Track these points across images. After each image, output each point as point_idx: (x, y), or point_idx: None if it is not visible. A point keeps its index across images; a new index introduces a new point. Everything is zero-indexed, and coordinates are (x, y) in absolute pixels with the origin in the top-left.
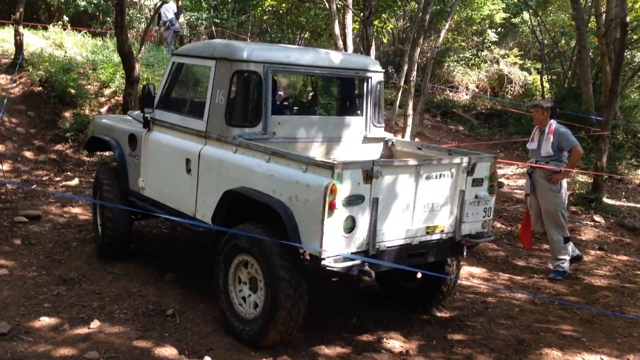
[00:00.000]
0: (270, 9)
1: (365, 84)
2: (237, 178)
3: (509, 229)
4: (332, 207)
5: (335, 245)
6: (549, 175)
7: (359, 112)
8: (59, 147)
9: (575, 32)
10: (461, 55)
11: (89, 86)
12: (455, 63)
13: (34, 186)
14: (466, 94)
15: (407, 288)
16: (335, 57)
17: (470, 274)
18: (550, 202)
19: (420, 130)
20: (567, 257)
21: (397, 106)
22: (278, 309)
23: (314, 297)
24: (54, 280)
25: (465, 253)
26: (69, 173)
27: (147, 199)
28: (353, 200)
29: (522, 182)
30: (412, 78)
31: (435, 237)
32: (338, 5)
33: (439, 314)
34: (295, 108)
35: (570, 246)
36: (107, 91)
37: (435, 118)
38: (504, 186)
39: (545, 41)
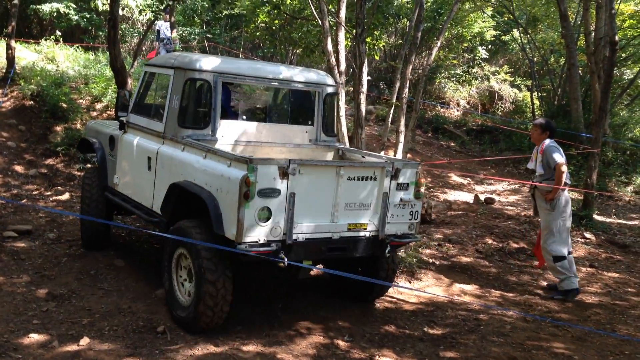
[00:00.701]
0: (263, 25)
1: (317, 96)
2: (182, 173)
3: (501, 245)
4: (246, 197)
5: (251, 232)
6: (544, 194)
7: (310, 121)
8: (49, 161)
9: (564, 50)
10: (452, 72)
11: (80, 100)
12: (446, 80)
13: (24, 201)
14: (457, 110)
15: (351, 281)
16: (287, 71)
17: (462, 291)
18: (544, 219)
19: (412, 146)
20: (566, 275)
21: (390, 122)
22: (203, 296)
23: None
24: (44, 296)
25: (388, 251)
26: (59, 187)
27: (119, 194)
28: (268, 193)
29: (513, 198)
30: (404, 95)
31: (358, 234)
32: (331, 22)
33: (430, 331)
34: (246, 115)
35: (568, 263)
36: (99, 105)
37: (426, 134)
38: (494, 202)
39: (535, 59)
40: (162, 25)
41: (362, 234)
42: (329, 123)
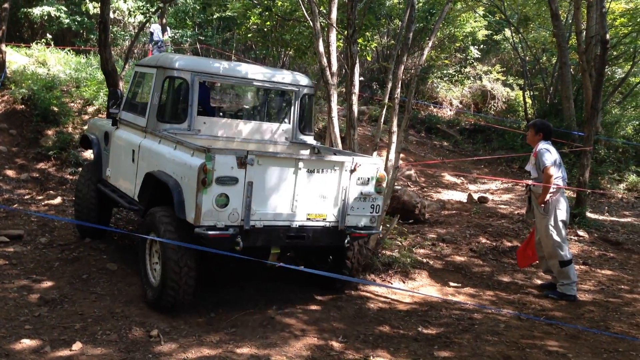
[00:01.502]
0: (254, 27)
1: (293, 96)
2: (157, 163)
3: (494, 244)
4: (204, 183)
5: (209, 217)
6: (537, 198)
7: (286, 120)
8: (41, 165)
9: (556, 49)
10: (444, 71)
11: (72, 104)
12: (438, 79)
13: (16, 205)
14: (450, 110)
15: (321, 269)
16: (264, 72)
17: (456, 290)
18: (539, 223)
19: (405, 146)
20: (570, 281)
21: (382, 123)
22: (168, 274)
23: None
24: (36, 301)
25: (348, 241)
26: (51, 192)
27: (110, 185)
28: (226, 181)
29: (506, 197)
30: (396, 95)
31: (317, 224)
32: (322, 24)
33: (425, 331)
34: (224, 112)
35: (572, 270)
36: (90, 109)
37: (419, 134)
38: (488, 201)
39: (527, 58)
40: (156, 28)
41: (321, 223)
42: (305, 122)
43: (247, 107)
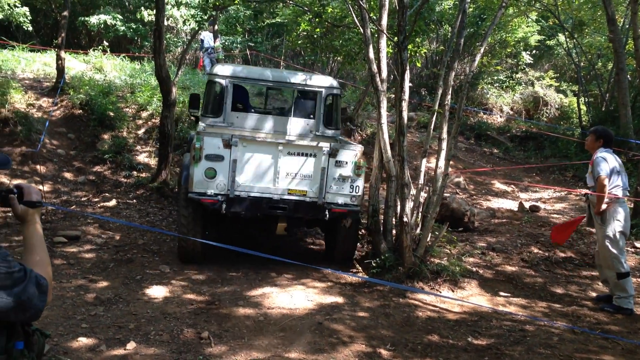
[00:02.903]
0: (304, 33)
1: (318, 95)
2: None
3: (547, 254)
4: (194, 159)
5: (200, 186)
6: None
7: (311, 115)
8: (97, 168)
9: (612, 54)
10: (495, 77)
11: (127, 109)
12: (489, 85)
13: (73, 207)
14: (500, 117)
15: (325, 241)
16: (292, 76)
17: (507, 301)
18: (597, 234)
19: (454, 153)
20: (627, 294)
21: (432, 129)
22: (179, 229)
23: None
24: (92, 300)
25: (328, 216)
26: (106, 194)
27: None
28: (213, 158)
29: (559, 206)
30: (446, 102)
31: (298, 198)
32: (372, 30)
33: (475, 342)
34: (255, 108)
35: (629, 283)
36: (144, 114)
37: (469, 140)
38: (540, 210)
39: (582, 63)
40: (206, 36)
41: (301, 198)
42: (330, 118)
43: (279, 104)
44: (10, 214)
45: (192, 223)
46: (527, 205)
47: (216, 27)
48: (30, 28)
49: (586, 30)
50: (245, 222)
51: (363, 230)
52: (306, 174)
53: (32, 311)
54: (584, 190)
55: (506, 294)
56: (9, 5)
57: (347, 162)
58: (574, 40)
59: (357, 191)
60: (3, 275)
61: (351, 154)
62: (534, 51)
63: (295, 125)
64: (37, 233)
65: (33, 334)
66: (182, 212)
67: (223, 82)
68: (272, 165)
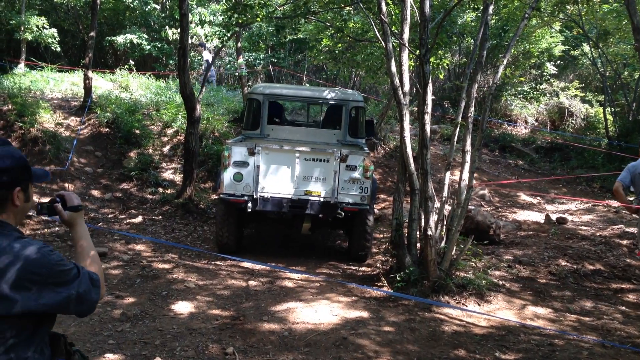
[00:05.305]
0: (326, 48)
1: (343, 108)
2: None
3: (575, 267)
4: (224, 165)
5: (229, 188)
6: None
7: (338, 126)
8: (124, 185)
9: (638, 63)
10: (519, 89)
11: (152, 126)
12: (512, 97)
13: (100, 224)
14: (525, 128)
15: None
16: (319, 91)
17: (535, 314)
18: None
19: (478, 165)
20: None
21: (455, 142)
22: (216, 231)
23: None
24: (118, 316)
25: (340, 212)
26: (133, 211)
27: None
28: (240, 164)
29: (587, 218)
30: (469, 114)
31: (314, 198)
32: (394, 44)
33: (503, 356)
34: (289, 121)
35: None
36: (169, 131)
37: (493, 152)
38: (567, 222)
39: (607, 73)
40: (206, 55)
41: (316, 198)
42: (355, 128)
43: (310, 117)
44: (54, 229)
45: (225, 219)
46: (553, 217)
47: (240, 44)
48: (59, 49)
49: (611, 40)
50: (273, 222)
51: (388, 245)
52: (321, 177)
53: (88, 303)
54: (609, 201)
55: (534, 308)
56: (37, 27)
57: (356, 166)
58: (599, 49)
59: (365, 192)
60: (61, 273)
61: (360, 158)
62: (558, 61)
63: (324, 135)
64: (85, 233)
65: (74, 353)
66: (217, 210)
67: (260, 99)
68: (290, 170)
